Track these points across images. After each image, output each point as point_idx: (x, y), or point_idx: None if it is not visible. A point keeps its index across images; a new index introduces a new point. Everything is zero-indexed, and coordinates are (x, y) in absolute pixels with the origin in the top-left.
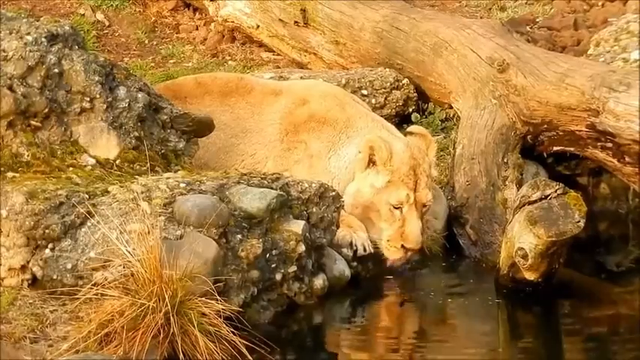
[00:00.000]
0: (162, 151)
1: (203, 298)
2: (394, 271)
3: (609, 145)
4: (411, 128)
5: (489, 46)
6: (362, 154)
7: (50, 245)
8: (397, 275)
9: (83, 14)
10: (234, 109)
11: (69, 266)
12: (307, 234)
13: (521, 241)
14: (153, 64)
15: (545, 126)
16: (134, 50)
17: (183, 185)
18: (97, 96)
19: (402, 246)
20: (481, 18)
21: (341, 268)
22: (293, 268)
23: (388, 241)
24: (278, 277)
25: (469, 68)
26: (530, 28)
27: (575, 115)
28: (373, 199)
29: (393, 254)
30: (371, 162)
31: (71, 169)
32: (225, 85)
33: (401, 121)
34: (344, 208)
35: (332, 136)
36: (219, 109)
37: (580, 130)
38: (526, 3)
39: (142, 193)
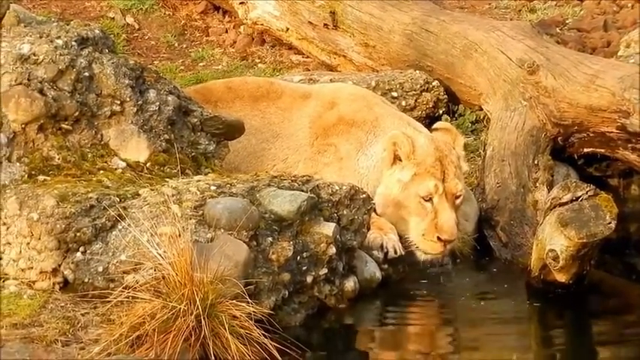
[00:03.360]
0: (193, 154)
1: (234, 301)
2: (427, 274)
3: None
4: (436, 124)
5: (519, 47)
6: (386, 151)
7: (81, 248)
8: (430, 278)
9: (113, 18)
10: (264, 114)
11: (100, 269)
12: (338, 236)
13: (552, 243)
14: (183, 67)
15: (576, 127)
16: (164, 53)
17: (214, 188)
18: (127, 99)
19: (438, 238)
20: (511, 20)
21: (372, 270)
22: (324, 271)
23: (423, 235)
24: (309, 279)
25: (499, 70)
26: (560, 29)
27: (606, 117)
28: (402, 194)
29: (430, 249)
30: (396, 158)
31: (102, 172)
32: (256, 90)
33: (431, 123)
34: (375, 210)
35: (360, 137)
36: (250, 113)
37: (610, 132)
38: (556, 5)
39: (173, 195)
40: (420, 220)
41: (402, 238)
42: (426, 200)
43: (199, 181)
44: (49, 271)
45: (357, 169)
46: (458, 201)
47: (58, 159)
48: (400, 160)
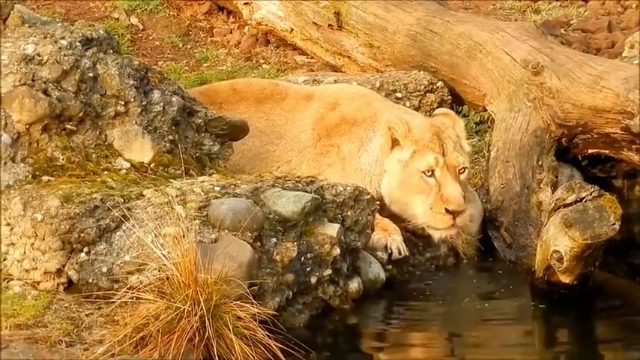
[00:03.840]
0: (197, 155)
1: (238, 302)
2: (431, 275)
3: None
4: (436, 111)
5: (523, 48)
6: (383, 137)
7: (85, 249)
8: (434, 279)
9: (117, 18)
10: (269, 115)
11: (104, 270)
12: (342, 237)
13: (557, 244)
14: (187, 68)
15: (580, 128)
16: (168, 54)
17: (218, 189)
18: (132, 100)
19: (447, 210)
20: (515, 20)
21: (376, 271)
22: (328, 272)
23: (431, 209)
24: (313, 280)
25: (503, 71)
26: (565, 30)
27: (610, 118)
28: (404, 173)
29: (440, 223)
30: (394, 143)
31: (106, 172)
32: (261, 92)
33: None
34: (381, 207)
35: (361, 135)
36: (255, 115)
37: (615, 133)
38: (560, 5)
39: (177, 196)
40: (426, 196)
41: (411, 224)
42: (428, 175)
43: (203, 181)
44: (53, 271)
45: (359, 167)
46: (462, 176)
47: (62, 159)
48: (398, 143)
